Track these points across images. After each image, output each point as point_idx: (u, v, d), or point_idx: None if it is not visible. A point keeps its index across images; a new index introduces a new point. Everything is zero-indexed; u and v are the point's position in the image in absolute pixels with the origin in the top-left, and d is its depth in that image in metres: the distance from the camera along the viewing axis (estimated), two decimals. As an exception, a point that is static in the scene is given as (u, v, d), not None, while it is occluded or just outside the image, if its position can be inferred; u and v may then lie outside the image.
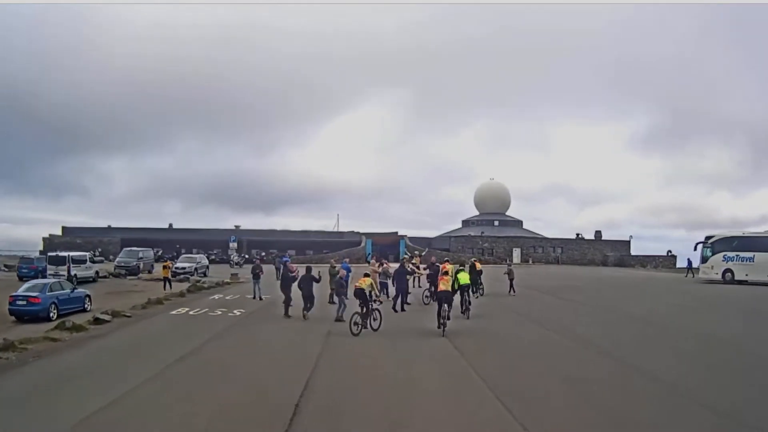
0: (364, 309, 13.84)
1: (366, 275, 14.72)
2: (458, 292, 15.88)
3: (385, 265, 21.48)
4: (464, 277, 16.66)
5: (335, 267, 19.94)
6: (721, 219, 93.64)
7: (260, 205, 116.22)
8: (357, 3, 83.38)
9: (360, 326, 13.50)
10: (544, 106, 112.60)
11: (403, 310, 17.79)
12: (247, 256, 51.18)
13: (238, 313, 17.49)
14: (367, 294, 13.95)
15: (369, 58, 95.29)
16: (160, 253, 50.82)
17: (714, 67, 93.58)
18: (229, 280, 29.60)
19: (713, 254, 32.34)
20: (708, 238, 32.93)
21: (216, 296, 22.53)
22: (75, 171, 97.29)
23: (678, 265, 54.65)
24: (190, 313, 17.77)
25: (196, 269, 34.22)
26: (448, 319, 13.82)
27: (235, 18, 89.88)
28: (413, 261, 23.81)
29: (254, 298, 20.78)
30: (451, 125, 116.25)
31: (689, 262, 42.41)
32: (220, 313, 17.59)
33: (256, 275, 21.21)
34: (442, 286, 14.11)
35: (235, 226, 65.00)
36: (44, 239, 57.74)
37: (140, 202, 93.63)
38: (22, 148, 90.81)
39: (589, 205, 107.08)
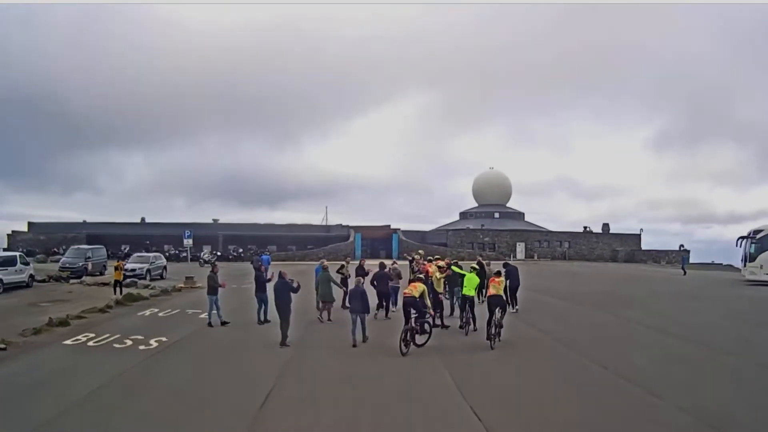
0: (414, 322, 11.67)
1: (418, 279, 12.88)
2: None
3: (394, 265, 17.33)
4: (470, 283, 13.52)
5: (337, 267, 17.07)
6: (719, 214, 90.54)
7: (266, 200, 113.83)
8: (377, 3, 79.05)
9: (409, 343, 11.37)
10: (559, 106, 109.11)
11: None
12: (219, 253, 45.82)
13: (155, 345, 12.17)
14: (419, 303, 11.86)
15: (386, 61, 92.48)
16: (127, 250, 45.68)
17: (728, 70, 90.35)
18: (182, 285, 24.43)
19: (761, 251, 27.28)
20: (756, 232, 27.58)
21: (148, 311, 17.22)
22: (84, 166, 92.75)
23: (691, 261, 51.08)
24: (90, 343, 12.50)
25: (149, 271, 28.81)
26: (501, 326, 12.16)
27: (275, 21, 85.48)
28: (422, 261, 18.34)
29: (209, 323, 14.49)
30: (465, 125, 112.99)
31: (683, 260, 41.80)
32: (129, 343, 12.30)
33: (211, 289, 14.63)
34: (492, 290, 12.40)
35: (213, 220, 59.87)
36: (8, 236, 53.70)
37: (145, 198, 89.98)
38: (23, 145, 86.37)
39: (592, 199, 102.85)
